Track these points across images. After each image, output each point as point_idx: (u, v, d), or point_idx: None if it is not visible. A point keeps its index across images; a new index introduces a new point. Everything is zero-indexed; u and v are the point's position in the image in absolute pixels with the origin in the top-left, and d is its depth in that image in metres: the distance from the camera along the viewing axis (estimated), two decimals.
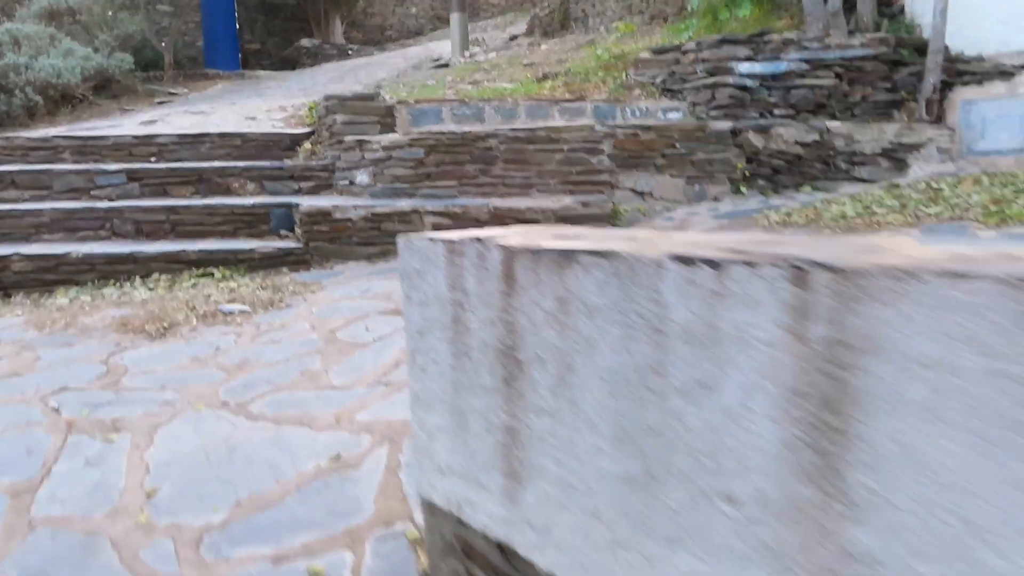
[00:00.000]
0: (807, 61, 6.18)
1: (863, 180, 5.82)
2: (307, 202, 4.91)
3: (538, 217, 4.87)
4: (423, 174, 5.10)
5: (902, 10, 7.11)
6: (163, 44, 14.02)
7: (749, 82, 6.16)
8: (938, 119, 6.16)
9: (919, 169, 5.93)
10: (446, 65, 9.69)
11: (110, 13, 11.88)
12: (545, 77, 7.44)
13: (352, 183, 5.39)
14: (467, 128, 5.66)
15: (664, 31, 8.70)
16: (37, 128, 9.77)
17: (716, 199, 5.49)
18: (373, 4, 19.54)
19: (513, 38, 12.47)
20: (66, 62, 10.03)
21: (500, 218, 4.86)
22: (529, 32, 12.25)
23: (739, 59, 6.20)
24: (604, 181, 5.31)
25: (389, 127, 5.65)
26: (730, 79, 6.17)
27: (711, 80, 6.23)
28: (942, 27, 6.01)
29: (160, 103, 11.55)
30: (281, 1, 17.36)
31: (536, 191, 5.22)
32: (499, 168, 5.18)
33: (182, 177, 5.62)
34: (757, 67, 6.16)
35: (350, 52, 17.02)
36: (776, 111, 6.19)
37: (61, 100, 10.26)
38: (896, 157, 5.88)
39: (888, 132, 5.83)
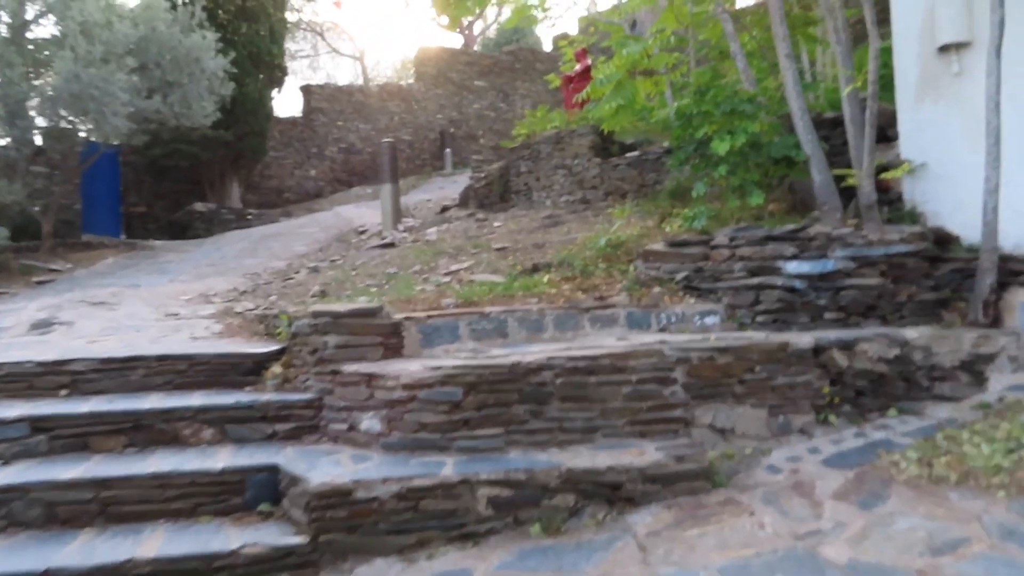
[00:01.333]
0: (853, 259, 5.50)
1: (947, 398, 5.01)
2: (310, 473, 3.50)
3: (621, 478, 3.67)
4: (460, 421, 3.83)
5: (899, 197, 6.67)
6: (39, 211, 12.23)
7: (798, 283, 5.39)
8: (994, 322, 5.55)
9: (996, 382, 5.21)
10: (391, 244, 8.59)
11: None
12: (536, 268, 6.44)
13: (354, 429, 4.03)
14: (491, 349, 4.49)
15: (655, 218, 7.98)
16: None
17: (804, 432, 4.50)
18: (271, 166, 18.51)
19: (445, 209, 11.62)
20: None
21: (575, 482, 3.62)
22: (463, 204, 11.46)
23: (786, 257, 5.44)
24: (678, 418, 4.21)
25: (395, 350, 4.39)
26: (778, 280, 5.37)
27: (755, 280, 5.42)
28: (994, 224, 5.49)
29: (40, 283, 9.76)
30: (172, 163, 15.96)
31: (601, 436, 4.04)
32: (555, 408, 3.99)
33: (111, 424, 4.07)
34: (805, 266, 5.41)
35: (249, 217, 15.73)
36: (826, 315, 5.41)
37: None
38: (975, 370, 5.15)
39: (965, 342, 5.11)
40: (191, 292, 8.06)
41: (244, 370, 4.70)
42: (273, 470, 3.75)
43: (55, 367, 4.51)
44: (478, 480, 3.51)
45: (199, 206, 15.78)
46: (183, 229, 15.78)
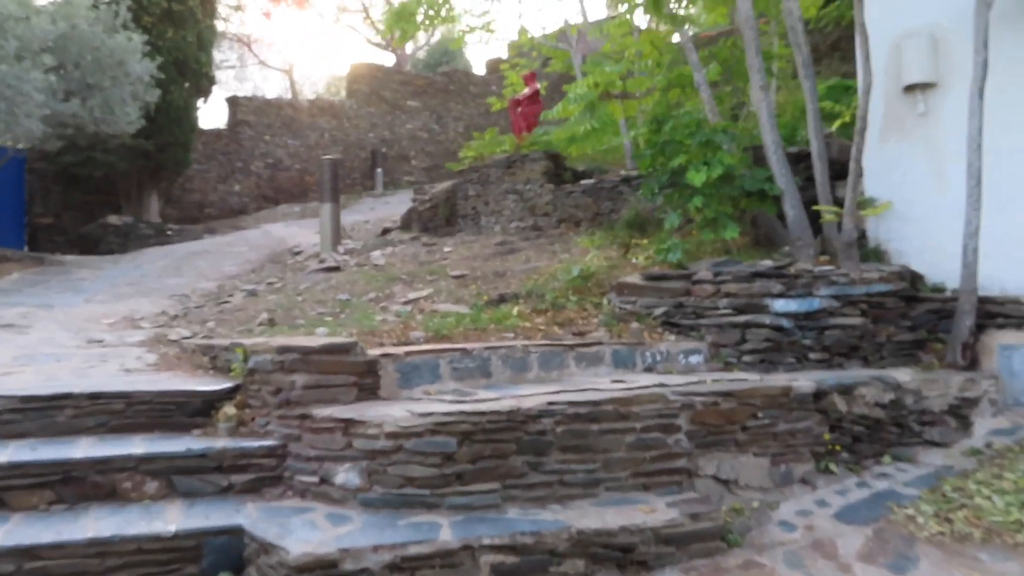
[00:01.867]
0: (836, 297, 5.32)
1: (936, 444, 4.86)
2: (285, 540, 3.00)
3: (634, 540, 3.31)
4: (452, 475, 3.39)
5: (863, 235, 6.60)
6: None
7: (785, 322, 5.17)
8: (972, 364, 5.47)
9: (979, 426, 5.10)
10: (335, 268, 8.04)
11: None
12: (502, 299, 6.07)
13: (327, 482, 3.53)
14: (475, 390, 4.07)
15: (615, 248, 7.71)
16: None
17: (806, 482, 4.24)
18: (193, 180, 17.56)
19: (386, 231, 11.11)
20: None
21: (585, 545, 3.24)
22: (406, 227, 11.00)
23: (772, 295, 5.22)
24: (682, 469, 3.89)
25: (370, 391, 3.92)
26: (765, 319, 5.14)
27: (742, 319, 5.18)
28: (974, 265, 5.43)
29: None
30: (84, 172, 14.87)
31: (604, 490, 3.67)
32: (554, 459, 3.59)
33: (34, 476, 3.44)
34: (792, 304, 5.20)
35: (169, 232, 14.79)
36: (811, 355, 5.21)
37: None
38: (960, 414, 5.03)
39: (952, 386, 5.00)
40: (113, 315, 7.32)
41: (191, 410, 4.12)
42: (235, 532, 3.22)
43: None
44: (480, 545, 3.08)
45: (114, 219, 14.71)
46: (95, 243, 14.67)
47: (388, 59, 28.92)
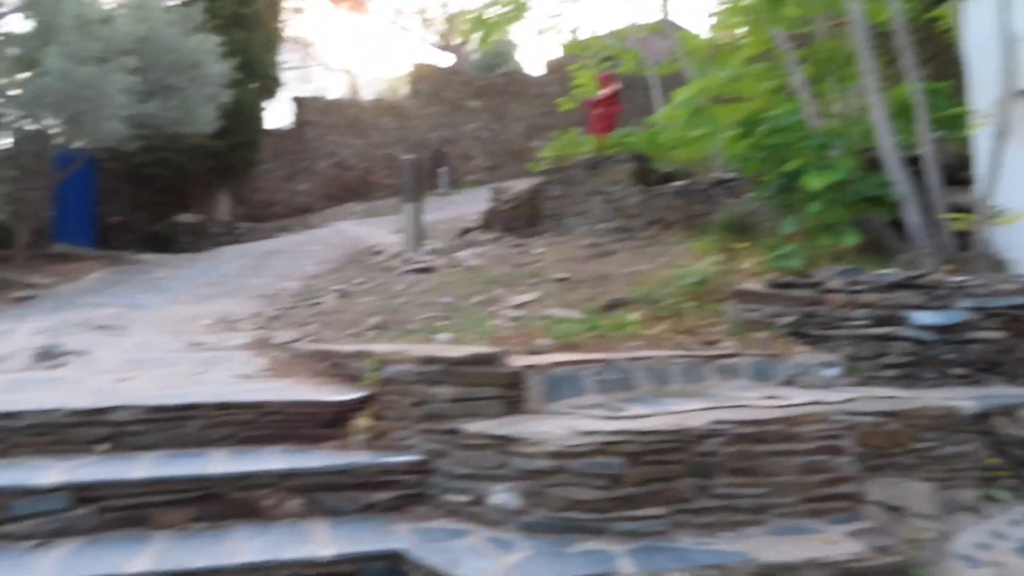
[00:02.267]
0: (977, 310, 4.98)
1: None
2: (457, 570, 2.81)
3: (820, 575, 3.04)
4: (620, 498, 3.17)
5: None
6: (12, 218, 11.23)
7: (925, 335, 4.84)
8: None
9: None
10: (427, 269, 7.88)
11: None
12: (616, 305, 5.83)
13: (481, 503, 3.33)
14: (624, 404, 3.84)
15: (714, 252, 7.42)
16: None
17: (974, 510, 3.92)
18: (259, 179, 17.62)
19: (467, 231, 10.95)
20: None
21: None
22: (487, 227, 10.80)
23: (912, 306, 4.90)
24: (850, 495, 3.61)
25: (515, 405, 3.72)
26: (905, 331, 4.82)
27: (881, 331, 4.86)
28: None
29: (21, 299, 8.82)
30: (155, 172, 14.98)
31: (773, 517, 3.40)
32: (722, 482, 3.35)
33: (173, 492, 3.30)
34: (933, 317, 4.88)
35: (239, 231, 14.83)
36: (952, 371, 4.88)
37: None
38: None
39: None
40: (206, 316, 7.25)
41: (321, 421, 3.96)
42: (394, 558, 3.04)
43: (93, 416, 3.71)
44: None
45: (184, 218, 14.82)
46: (165, 242, 14.80)
47: (443, 60, 28.91)
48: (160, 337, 6.26)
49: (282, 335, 5.95)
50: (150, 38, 10.40)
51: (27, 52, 9.53)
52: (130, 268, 11.21)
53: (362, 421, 3.93)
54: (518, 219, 10.43)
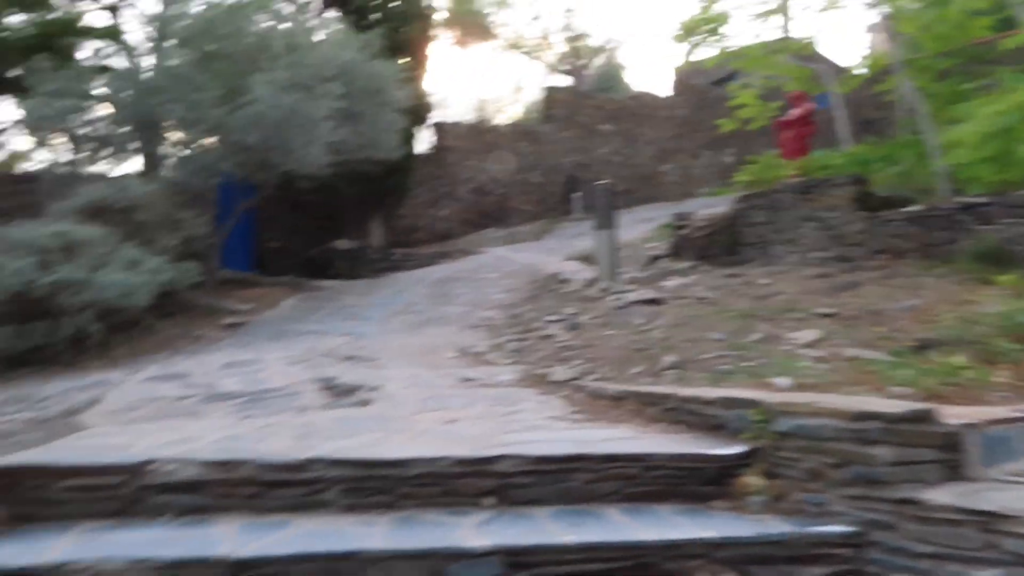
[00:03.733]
0: None
1: None
2: None
3: None
4: None
5: None
6: (209, 249, 11.41)
7: None
8: None
9: None
10: (655, 300, 7.50)
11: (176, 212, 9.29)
12: (925, 346, 5.31)
13: None
14: None
15: (971, 283, 6.83)
16: (89, 371, 6.87)
17: None
18: (403, 205, 17.67)
19: (655, 259, 10.56)
20: (136, 277, 7.31)
21: None
22: (676, 255, 10.38)
23: None
24: None
25: (954, 468, 3.26)
26: None
27: None
28: None
29: (230, 326, 8.85)
30: (311, 197, 15.12)
31: None
32: None
33: (604, 560, 2.98)
34: None
35: (395, 257, 14.81)
36: None
37: (118, 327, 7.46)
38: None
39: None
40: (441, 347, 7.05)
41: (704, 478, 3.59)
42: None
43: (478, 467, 3.45)
44: None
45: (343, 243, 14.93)
46: (322, 267, 14.92)
47: (564, 83, 28.82)
48: (420, 371, 6.05)
49: (556, 372, 5.65)
50: (348, 64, 10.44)
51: (228, 79, 9.69)
52: (315, 295, 11.24)
53: (753, 480, 3.54)
54: (713, 247, 9.98)
